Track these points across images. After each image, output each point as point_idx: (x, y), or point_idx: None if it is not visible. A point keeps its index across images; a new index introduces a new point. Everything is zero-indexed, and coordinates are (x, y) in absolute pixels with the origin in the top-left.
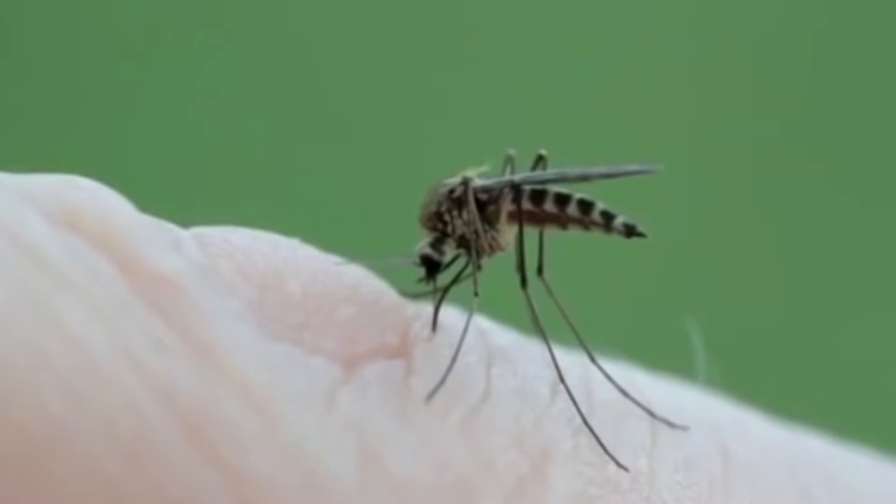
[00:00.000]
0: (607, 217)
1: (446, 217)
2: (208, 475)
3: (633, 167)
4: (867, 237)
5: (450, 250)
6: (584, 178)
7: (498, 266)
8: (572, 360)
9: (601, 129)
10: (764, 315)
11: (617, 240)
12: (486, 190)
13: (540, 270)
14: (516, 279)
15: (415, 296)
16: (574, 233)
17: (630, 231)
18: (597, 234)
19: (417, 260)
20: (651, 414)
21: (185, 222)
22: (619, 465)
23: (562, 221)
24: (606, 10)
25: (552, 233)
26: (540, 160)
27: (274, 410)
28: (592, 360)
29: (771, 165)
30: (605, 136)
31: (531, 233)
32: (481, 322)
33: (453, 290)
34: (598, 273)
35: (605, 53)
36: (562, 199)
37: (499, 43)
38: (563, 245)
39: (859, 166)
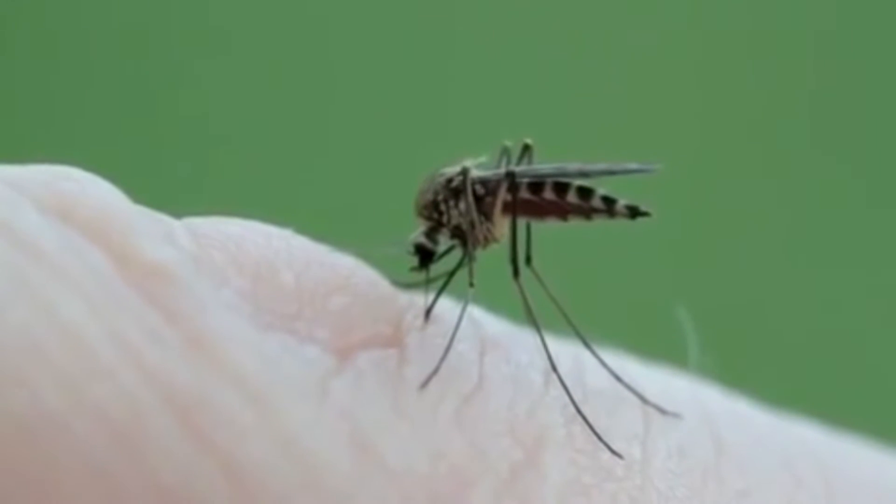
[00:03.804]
0: (609, 202)
1: (442, 207)
2: (203, 463)
3: (633, 166)
4: (860, 225)
5: (444, 240)
6: (583, 175)
7: (490, 257)
8: (565, 350)
9: (599, 121)
10: (756, 304)
11: (620, 223)
12: (483, 181)
13: (529, 260)
14: (508, 270)
15: (407, 286)
16: (564, 224)
17: (634, 212)
18: (597, 223)
19: (411, 249)
20: (643, 399)
21: (178, 213)
22: (612, 452)
23: (562, 211)
24: (607, 4)
25: (543, 224)
26: (526, 150)
27: (268, 400)
28: (586, 344)
29: (763, 155)
30: (602, 129)
31: (522, 224)
32: (474, 312)
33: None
34: (590, 263)
35: (603, 47)
36: (561, 187)
37: (497, 35)
38: (554, 236)
39: (856, 157)
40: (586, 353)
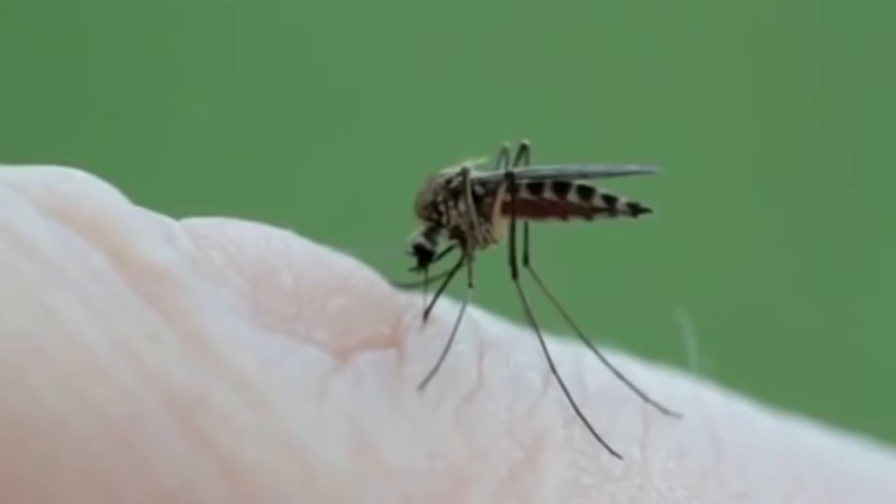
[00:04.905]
0: (610, 200)
1: (441, 207)
2: (202, 464)
3: (633, 167)
4: (861, 226)
5: (443, 241)
6: (583, 176)
7: (489, 257)
8: (564, 351)
9: (598, 122)
10: (756, 304)
11: (619, 223)
12: (482, 182)
13: (526, 260)
14: (507, 271)
15: (407, 286)
16: (563, 224)
17: (635, 210)
18: (596, 223)
19: (410, 249)
20: (644, 398)
21: (177, 214)
22: (612, 452)
23: (563, 211)
24: (607, 5)
25: (541, 224)
26: (524, 150)
27: (267, 400)
28: (586, 342)
29: (763, 156)
30: (601, 130)
31: (520, 224)
32: (473, 312)
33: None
34: (588, 264)
35: (603, 47)
36: (561, 187)
37: (496, 36)
38: (552, 237)
39: (857, 159)
40: (586, 354)
